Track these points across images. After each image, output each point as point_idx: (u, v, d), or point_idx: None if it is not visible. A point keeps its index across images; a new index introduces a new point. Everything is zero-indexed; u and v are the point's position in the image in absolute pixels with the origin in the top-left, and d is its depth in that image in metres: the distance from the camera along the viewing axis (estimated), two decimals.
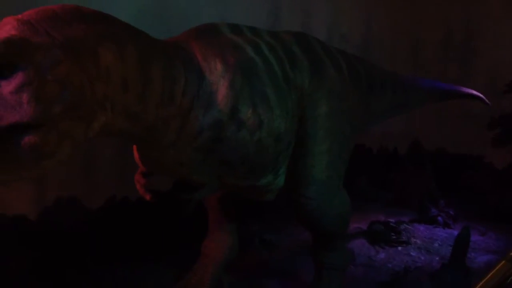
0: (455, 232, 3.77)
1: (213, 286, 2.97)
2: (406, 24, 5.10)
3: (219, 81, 2.13)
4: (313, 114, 2.52)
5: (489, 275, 2.03)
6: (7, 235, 3.11)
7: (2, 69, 1.49)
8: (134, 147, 2.43)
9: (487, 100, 3.85)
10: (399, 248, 3.79)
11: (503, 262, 2.07)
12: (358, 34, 4.83)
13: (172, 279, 3.16)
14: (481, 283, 2.00)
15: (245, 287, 3.15)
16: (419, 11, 5.12)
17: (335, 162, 2.62)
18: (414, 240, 3.92)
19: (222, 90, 2.13)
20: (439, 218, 4.19)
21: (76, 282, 3.11)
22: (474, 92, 3.82)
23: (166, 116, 2.00)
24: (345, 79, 2.71)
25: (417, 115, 5.18)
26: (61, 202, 3.37)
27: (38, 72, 1.51)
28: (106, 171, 3.53)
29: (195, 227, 3.26)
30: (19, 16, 1.63)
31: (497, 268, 2.05)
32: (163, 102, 1.96)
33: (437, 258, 3.64)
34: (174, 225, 3.54)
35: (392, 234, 3.89)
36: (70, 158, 1.67)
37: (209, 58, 2.15)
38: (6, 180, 1.59)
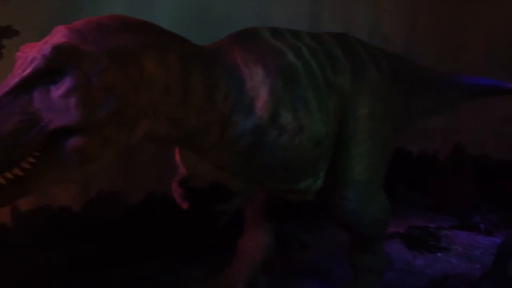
0: (498, 240, 3.67)
1: (249, 284, 3.00)
2: (449, 26, 4.99)
3: (260, 86, 2.15)
4: (354, 116, 2.51)
5: None
6: (52, 226, 3.21)
7: (52, 75, 1.57)
8: (177, 149, 2.48)
9: None
10: (439, 254, 3.72)
11: None
12: (401, 35, 4.75)
13: (208, 275, 3.20)
14: None
15: (281, 287, 3.15)
16: (463, 13, 5.00)
17: (375, 164, 2.60)
18: (454, 247, 3.83)
19: (263, 96, 2.15)
20: (481, 225, 4.08)
21: (114, 274, 3.21)
22: None
23: (207, 121, 2.04)
24: (387, 80, 2.69)
25: (460, 119, 5.05)
26: (103, 195, 3.45)
27: (85, 78, 1.59)
28: (147, 167, 3.59)
29: (231, 224, 3.29)
30: (70, 25, 1.72)
31: None
32: (204, 108, 2.00)
33: (478, 266, 3.55)
34: (211, 222, 3.58)
35: (431, 239, 3.82)
36: (112, 162, 1.72)
37: (250, 64, 2.18)
38: (52, 183, 1.67)
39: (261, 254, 3.02)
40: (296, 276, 3.29)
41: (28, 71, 1.57)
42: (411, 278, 3.36)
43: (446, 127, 5.06)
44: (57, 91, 1.57)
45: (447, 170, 4.74)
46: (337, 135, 2.48)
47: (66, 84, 1.57)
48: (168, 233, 3.52)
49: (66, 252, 3.22)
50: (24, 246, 3.11)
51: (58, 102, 1.56)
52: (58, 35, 1.66)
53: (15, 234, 3.12)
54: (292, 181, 2.41)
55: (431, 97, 3.17)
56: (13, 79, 1.58)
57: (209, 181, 3.50)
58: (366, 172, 2.55)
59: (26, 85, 1.57)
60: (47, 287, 3.09)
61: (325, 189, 2.59)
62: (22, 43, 1.73)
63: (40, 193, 3.20)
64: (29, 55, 1.61)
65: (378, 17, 4.61)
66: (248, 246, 3.02)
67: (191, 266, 3.34)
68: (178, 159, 2.52)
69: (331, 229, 3.69)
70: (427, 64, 3.36)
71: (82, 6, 3.05)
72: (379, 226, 2.68)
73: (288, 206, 3.25)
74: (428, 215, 4.37)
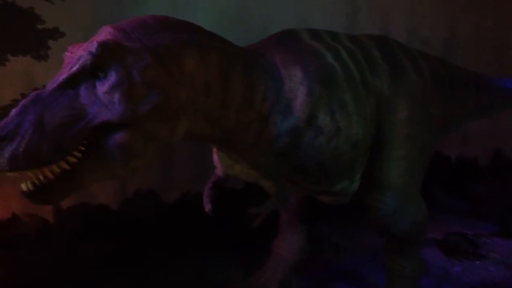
0: None
1: (282, 285, 3.00)
2: (490, 28, 4.86)
3: (298, 88, 2.15)
4: (392, 119, 2.47)
5: None
6: (91, 223, 3.30)
7: (98, 71, 1.63)
8: (214, 149, 2.51)
9: None
10: (477, 262, 3.62)
11: None
12: (440, 38, 4.67)
13: (241, 274, 3.22)
14: None
15: None
16: (503, 14, 4.87)
17: (413, 168, 2.55)
18: (493, 254, 3.72)
19: (300, 97, 2.15)
20: None
21: (150, 271, 3.26)
22: None
23: (245, 121, 2.06)
24: (427, 83, 2.64)
25: (500, 124, 4.93)
26: (140, 194, 3.53)
27: (129, 74, 1.64)
28: (183, 167, 3.65)
29: (266, 225, 3.31)
30: (115, 24, 1.78)
31: None
32: (243, 108, 2.03)
33: None
34: (245, 223, 3.60)
35: (470, 247, 3.72)
36: (155, 159, 1.76)
37: (289, 65, 2.18)
38: (97, 180, 1.70)
39: (295, 256, 3.02)
40: (329, 278, 3.26)
41: (75, 68, 1.63)
42: (448, 286, 3.29)
43: (486, 132, 4.94)
44: (102, 87, 1.63)
45: (487, 175, 4.61)
46: (374, 138, 2.45)
47: (110, 80, 1.63)
48: (202, 232, 3.56)
49: (104, 248, 3.30)
50: (65, 242, 3.21)
51: (103, 98, 1.62)
52: (104, 34, 1.73)
53: (56, 231, 3.23)
54: (328, 183, 2.40)
55: (472, 101, 3.09)
56: (61, 76, 1.65)
57: (244, 183, 3.55)
58: (403, 176, 2.50)
59: (73, 81, 1.63)
60: (85, 281, 3.16)
61: (361, 192, 2.57)
62: (67, 45, 1.79)
63: (80, 192, 3.30)
64: (77, 54, 1.68)
65: (417, 18, 4.54)
66: (282, 247, 3.02)
67: (224, 265, 3.35)
68: (216, 159, 2.54)
69: (365, 232, 3.66)
70: (468, 66, 3.29)
71: (125, 8, 3.14)
72: (416, 231, 2.62)
73: (322, 208, 3.25)
74: (467, 221, 4.25)
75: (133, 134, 1.65)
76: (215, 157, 2.54)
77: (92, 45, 1.64)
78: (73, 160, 1.60)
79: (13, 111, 1.57)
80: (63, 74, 1.65)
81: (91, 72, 1.64)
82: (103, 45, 1.63)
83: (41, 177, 1.57)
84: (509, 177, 4.45)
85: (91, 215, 3.30)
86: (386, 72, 2.47)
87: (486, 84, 3.21)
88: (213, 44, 1.95)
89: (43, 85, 2.75)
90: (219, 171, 2.62)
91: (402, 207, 2.52)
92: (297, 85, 2.15)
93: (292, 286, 3.05)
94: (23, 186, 1.58)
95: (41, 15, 3.03)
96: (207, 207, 2.56)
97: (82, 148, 1.61)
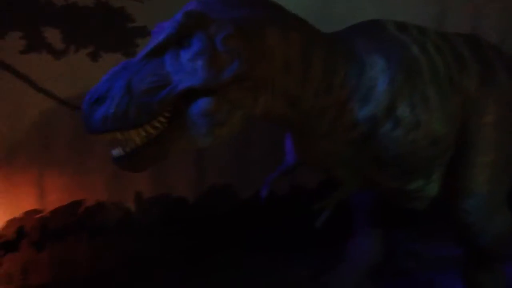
0: None
1: None
2: None
3: (379, 76, 2.11)
4: (478, 122, 2.36)
5: None
6: (169, 214, 3.43)
7: (182, 40, 1.71)
8: (288, 136, 2.51)
9: None
10: None
11: None
12: None
13: (309, 276, 3.21)
14: None
15: None
16: None
17: (499, 176, 2.42)
18: None
19: (381, 86, 2.11)
20: None
21: (218, 264, 3.33)
22: None
23: (323, 105, 2.04)
24: None
25: None
26: (216, 188, 3.62)
27: (211, 43, 1.70)
28: (258, 164, 3.70)
29: (335, 227, 3.27)
30: None
31: None
32: (321, 91, 2.01)
33: None
34: (315, 223, 3.58)
35: None
36: (240, 129, 1.80)
37: (372, 53, 2.14)
38: (184, 147, 1.76)
39: (368, 261, 2.97)
40: (403, 286, 3.17)
41: (161, 36, 1.72)
42: None
43: None
44: (186, 54, 1.70)
45: None
46: (458, 141, 2.35)
47: (194, 47, 1.70)
48: (274, 230, 3.58)
49: (180, 241, 3.43)
50: (144, 232, 3.37)
51: (187, 65, 1.68)
52: (189, 6, 1.81)
53: (137, 218, 3.39)
54: (402, 180, 2.31)
55: None
56: (149, 45, 1.74)
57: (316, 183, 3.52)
58: (488, 184, 2.39)
59: (160, 50, 1.72)
60: (158, 273, 3.29)
61: (442, 199, 2.47)
62: None
63: (160, 183, 3.45)
64: (163, 28, 1.76)
65: (509, 20, 4.28)
66: (355, 251, 2.98)
67: (296, 266, 3.36)
68: (288, 145, 2.54)
69: (445, 241, 3.52)
70: None
71: None
72: (500, 243, 2.50)
73: (399, 214, 3.16)
74: None
75: (217, 101, 1.70)
76: (288, 143, 2.54)
77: (177, 15, 1.73)
78: (158, 125, 1.68)
79: (103, 77, 1.68)
80: (151, 44, 1.74)
81: (176, 40, 1.71)
82: (187, 15, 1.70)
83: (130, 141, 1.66)
84: None
85: (169, 206, 3.43)
86: (475, 73, 2.36)
87: None
88: (295, 24, 1.97)
89: None
90: (289, 158, 2.62)
91: (486, 217, 2.41)
92: (378, 74, 2.11)
93: None
94: (114, 152, 1.69)
95: (131, 14, 3.20)
96: (263, 192, 2.57)
97: (168, 115, 1.69)
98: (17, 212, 3.17)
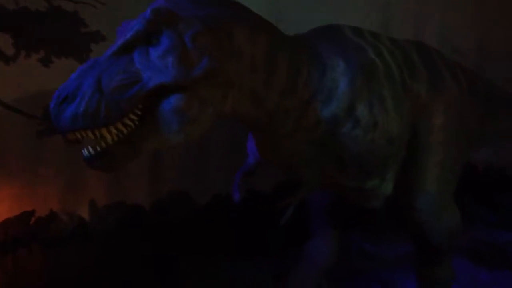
0: None
1: None
2: None
3: (340, 78, 2.19)
4: (427, 125, 2.49)
5: None
6: (124, 222, 3.38)
7: (151, 37, 1.71)
8: (251, 136, 2.54)
9: None
10: (506, 271, 3.60)
11: None
12: (472, 48, 4.67)
13: (271, 277, 3.26)
14: None
15: None
16: None
17: (447, 175, 2.56)
18: None
19: (342, 87, 2.19)
20: None
21: (180, 271, 3.32)
22: None
23: (287, 105, 2.09)
24: (464, 93, 2.66)
25: None
26: (172, 195, 3.60)
27: (181, 40, 1.71)
28: (215, 170, 3.72)
29: (295, 228, 3.34)
30: None
31: None
32: (285, 92, 2.06)
33: None
34: (274, 225, 3.64)
35: (498, 256, 3.71)
36: (210, 126, 1.80)
37: (332, 56, 2.22)
38: (155, 145, 1.74)
39: (325, 261, 3.03)
40: (358, 285, 3.28)
41: (130, 33, 1.71)
42: None
43: None
44: (156, 52, 1.69)
45: None
46: (410, 142, 2.46)
47: (163, 45, 1.70)
48: (232, 234, 3.61)
49: (137, 249, 3.38)
50: (100, 240, 3.29)
51: (157, 62, 1.68)
52: (157, 3, 1.79)
53: (91, 228, 3.31)
54: (359, 179, 2.41)
55: (505, 118, 3.09)
56: (117, 43, 1.72)
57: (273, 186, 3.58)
58: (437, 182, 2.52)
59: (128, 47, 1.70)
60: (118, 281, 3.23)
61: (394, 198, 2.58)
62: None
63: (115, 191, 3.39)
64: (130, 26, 1.75)
65: (448, 28, 4.55)
66: (313, 251, 3.04)
67: (255, 269, 3.40)
68: (251, 146, 2.57)
69: (396, 239, 3.68)
70: (496, 78, 3.30)
71: None
72: (449, 238, 2.63)
73: (353, 214, 3.28)
74: (496, 231, 4.23)
75: (188, 98, 1.70)
76: (250, 143, 2.57)
77: (145, 12, 1.72)
78: (130, 123, 1.66)
79: (72, 75, 1.65)
80: (119, 41, 1.72)
81: (144, 37, 1.70)
82: (156, 11, 1.70)
83: (100, 140, 1.64)
84: None
85: (125, 214, 3.37)
86: (424, 78, 2.48)
87: None
88: (262, 25, 2.02)
89: None
90: (251, 158, 2.65)
91: (436, 214, 2.53)
92: (339, 75, 2.19)
93: None
94: (84, 152, 1.66)
95: (84, 19, 3.14)
96: (235, 196, 2.60)
97: (139, 112, 1.68)
98: None
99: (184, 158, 3.49)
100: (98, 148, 1.65)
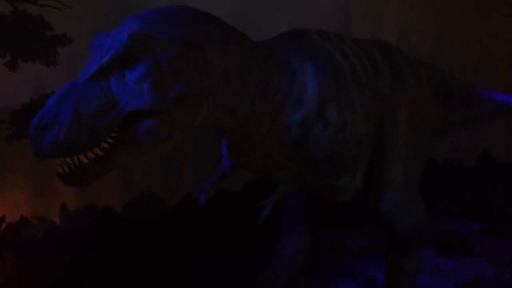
0: None
1: (287, 285, 3.07)
2: (477, 37, 5.07)
3: (309, 82, 2.28)
4: (392, 120, 2.59)
5: None
6: (98, 224, 3.36)
7: (127, 61, 1.73)
8: (225, 141, 2.59)
9: None
10: (468, 258, 3.77)
11: None
12: (428, 45, 4.86)
13: (246, 275, 3.30)
14: None
15: None
16: (491, 24, 5.08)
17: (412, 168, 2.67)
18: (483, 251, 3.88)
19: (311, 91, 2.27)
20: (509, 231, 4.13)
21: (154, 272, 3.32)
22: None
23: (259, 111, 2.16)
24: (424, 89, 2.78)
25: (484, 127, 5.11)
26: (143, 197, 3.60)
27: (157, 64, 1.74)
28: (185, 171, 3.74)
29: (268, 226, 3.39)
30: (140, 14, 1.85)
31: None
32: (257, 98, 2.13)
33: (507, 270, 3.60)
34: (246, 224, 3.68)
35: (461, 244, 3.87)
36: (180, 143, 1.85)
37: (301, 60, 2.30)
38: (128, 163, 1.79)
39: (299, 256, 3.10)
40: (330, 278, 3.36)
41: (106, 58, 1.73)
42: (441, 281, 3.43)
43: (471, 135, 5.12)
44: (132, 77, 1.73)
45: (473, 177, 4.79)
46: (375, 138, 2.56)
47: (139, 70, 1.73)
48: (204, 234, 3.64)
49: (110, 251, 3.36)
50: (72, 244, 3.26)
51: (133, 87, 1.72)
52: (131, 25, 1.79)
53: (63, 233, 3.28)
54: (331, 177, 2.49)
55: (463, 111, 3.22)
56: (93, 66, 1.74)
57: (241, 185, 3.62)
58: (403, 174, 2.62)
59: (105, 71, 1.73)
60: (88, 285, 3.21)
61: (363, 192, 2.65)
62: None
63: (86, 194, 3.37)
64: (105, 43, 1.77)
65: (406, 26, 4.71)
66: (287, 247, 3.10)
67: (229, 268, 3.43)
68: (225, 151, 2.62)
69: (364, 232, 3.79)
70: (453, 73, 3.45)
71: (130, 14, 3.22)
72: (416, 228, 2.73)
73: (322, 210, 3.36)
74: (457, 222, 4.42)
75: (161, 120, 1.75)
76: (224, 148, 2.62)
77: (122, 36, 1.73)
78: (106, 146, 1.70)
79: (50, 100, 1.67)
80: (95, 63, 1.74)
81: (121, 62, 1.73)
82: (133, 37, 1.72)
83: (76, 161, 1.67)
84: (494, 178, 4.63)
85: (97, 216, 3.35)
86: (388, 76, 2.59)
87: (476, 96, 3.34)
88: (233, 36, 2.06)
89: (52, 91, 2.81)
90: (225, 163, 2.70)
91: (403, 205, 2.63)
92: (308, 79, 2.27)
93: (297, 286, 3.13)
94: (59, 170, 1.68)
95: (50, 22, 3.10)
96: (202, 198, 2.65)
97: (114, 135, 1.71)
98: None
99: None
100: (73, 167, 1.68)
